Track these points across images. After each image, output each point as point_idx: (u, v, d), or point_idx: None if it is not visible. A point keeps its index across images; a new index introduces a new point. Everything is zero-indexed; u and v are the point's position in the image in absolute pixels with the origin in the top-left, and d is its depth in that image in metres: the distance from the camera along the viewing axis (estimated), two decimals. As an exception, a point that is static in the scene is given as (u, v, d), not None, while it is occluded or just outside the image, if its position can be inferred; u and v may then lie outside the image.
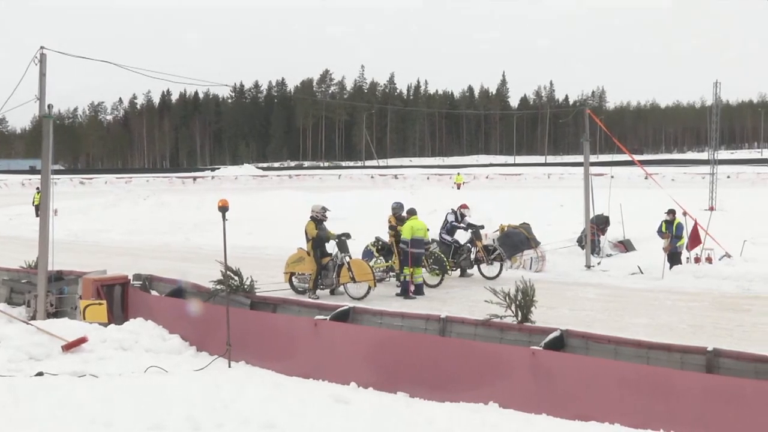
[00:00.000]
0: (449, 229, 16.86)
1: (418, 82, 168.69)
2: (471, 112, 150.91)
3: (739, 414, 6.62)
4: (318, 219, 14.41)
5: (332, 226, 15.00)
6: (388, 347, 8.87)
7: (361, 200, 36.07)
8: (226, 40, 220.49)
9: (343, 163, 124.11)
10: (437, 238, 17.25)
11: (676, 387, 6.98)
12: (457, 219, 16.96)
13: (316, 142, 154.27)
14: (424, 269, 15.27)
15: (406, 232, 14.71)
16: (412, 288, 14.42)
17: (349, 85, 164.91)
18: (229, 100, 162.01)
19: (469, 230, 16.81)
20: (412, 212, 15.26)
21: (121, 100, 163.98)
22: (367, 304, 12.15)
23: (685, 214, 16.54)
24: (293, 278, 14.62)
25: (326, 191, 45.09)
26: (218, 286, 10.97)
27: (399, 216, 15.65)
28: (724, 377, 7.05)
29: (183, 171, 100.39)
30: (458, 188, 55.85)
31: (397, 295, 14.35)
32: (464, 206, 17.28)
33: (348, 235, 14.52)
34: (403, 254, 14.61)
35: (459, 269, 16.81)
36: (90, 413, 6.73)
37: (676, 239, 16.54)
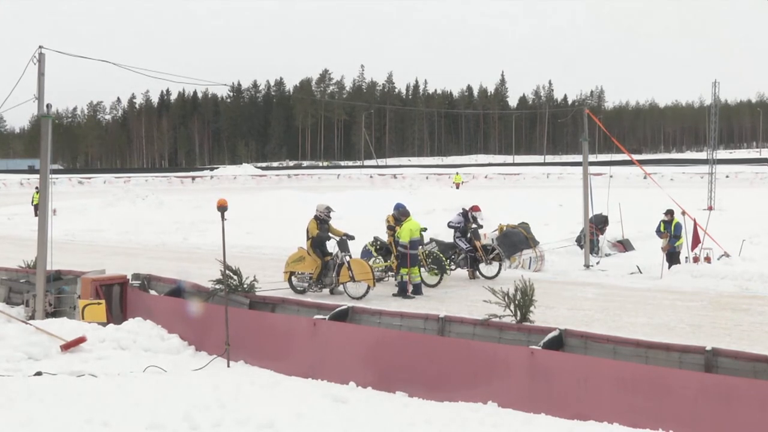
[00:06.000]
0: (462, 231, 16.68)
1: (417, 81, 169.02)
2: (470, 111, 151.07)
3: (737, 413, 6.63)
4: (321, 218, 14.41)
5: (334, 226, 14.97)
6: (387, 347, 8.86)
7: (359, 200, 36.07)
8: (224, 40, 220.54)
9: (342, 163, 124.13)
10: (437, 238, 17.25)
11: (674, 386, 6.98)
12: (468, 220, 16.83)
13: (315, 142, 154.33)
14: (423, 268, 15.26)
15: (404, 235, 14.63)
16: (410, 288, 14.41)
17: (348, 84, 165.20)
18: (228, 100, 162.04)
19: (470, 229, 16.74)
20: (405, 213, 15.18)
21: (119, 100, 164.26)
22: (366, 303, 12.16)
23: (684, 213, 16.54)
24: (293, 278, 14.60)
25: (325, 191, 45.10)
26: (217, 286, 10.97)
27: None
28: (722, 376, 7.05)
29: (182, 171, 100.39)
30: (457, 188, 55.82)
31: (394, 295, 14.33)
32: (476, 208, 17.10)
33: (351, 237, 14.51)
34: (402, 256, 14.59)
35: (464, 269, 16.74)
36: (88, 413, 6.73)
37: (675, 239, 16.53)
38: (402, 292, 14.34)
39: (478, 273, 16.54)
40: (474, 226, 16.79)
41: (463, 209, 17.20)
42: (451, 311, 10.64)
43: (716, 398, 6.75)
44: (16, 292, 12.84)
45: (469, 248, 16.47)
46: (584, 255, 17.83)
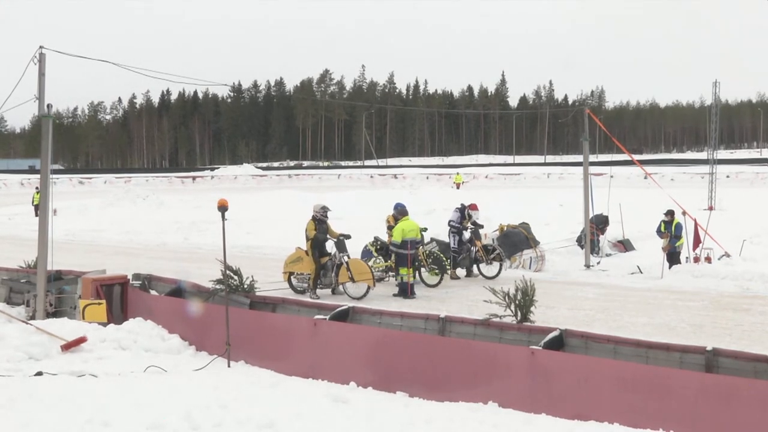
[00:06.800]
0: (458, 230, 16.70)
1: (417, 81, 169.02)
2: (470, 111, 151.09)
3: (738, 413, 6.62)
4: (319, 219, 14.38)
5: (332, 225, 14.97)
6: (388, 347, 8.86)
7: (360, 200, 36.08)
8: (224, 40, 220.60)
9: (343, 163, 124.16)
10: (438, 238, 17.23)
11: (674, 386, 6.98)
12: (464, 217, 16.83)
13: (316, 142, 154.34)
14: (423, 268, 15.28)
15: (396, 235, 14.62)
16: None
17: (348, 84, 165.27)
18: (228, 100, 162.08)
19: (470, 229, 16.76)
20: (402, 213, 15.16)
21: (120, 100, 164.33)
22: (367, 303, 12.15)
23: (684, 213, 16.54)
24: (292, 278, 14.61)
25: (325, 191, 45.11)
26: (218, 286, 10.97)
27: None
28: (722, 376, 7.05)
29: (182, 171, 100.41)
30: (457, 188, 55.83)
31: (395, 295, 14.31)
32: (474, 207, 17.06)
33: (348, 236, 14.51)
34: (397, 256, 14.56)
35: (465, 269, 16.76)
36: (88, 413, 6.73)
37: (675, 239, 16.53)
38: (402, 292, 14.32)
39: (471, 272, 16.58)
40: (470, 223, 16.78)
41: (462, 204, 17.22)
42: (452, 311, 10.64)
43: (716, 398, 6.75)
44: (16, 292, 12.83)
45: (455, 248, 16.49)
46: (585, 255, 17.82)
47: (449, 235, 16.73)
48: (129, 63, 12.77)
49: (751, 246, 17.86)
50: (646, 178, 43.72)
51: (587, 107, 20.33)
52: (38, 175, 13.22)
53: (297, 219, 22.82)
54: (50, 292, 11.67)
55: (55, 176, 19.43)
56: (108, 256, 20.52)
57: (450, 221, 16.92)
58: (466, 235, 16.76)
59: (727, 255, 16.60)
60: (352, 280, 13.95)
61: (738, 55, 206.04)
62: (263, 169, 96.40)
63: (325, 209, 14.47)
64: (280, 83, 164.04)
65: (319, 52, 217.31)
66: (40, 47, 11.25)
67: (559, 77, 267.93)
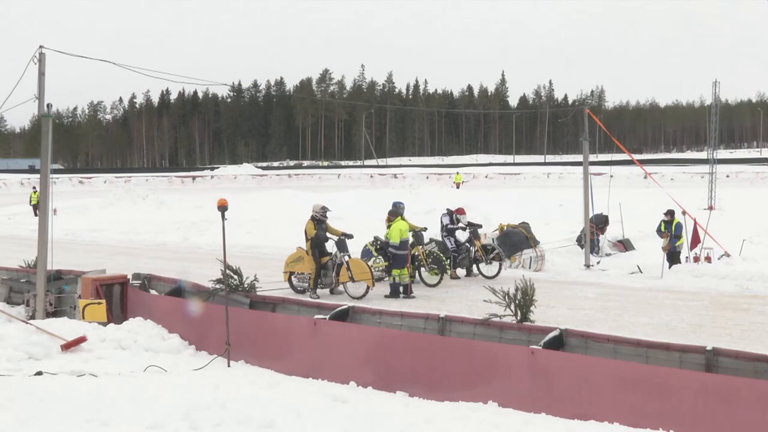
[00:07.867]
0: (449, 230, 16.74)
1: (417, 81, 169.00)
2: (470, 111, 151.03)
3: (738, 413, 6.63)
4: (318, 219, 14.38)
5: (333, 225, 14.96)
6: (388, 347, 8.87)
7: (360, 200, 36.06)
8: (224, 39, 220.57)
9: (342, 163, 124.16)
10: (437, 238, 17.24)
11: (674, 386, 6.98)
12: (453, 221, 16.86)
13: (316, 142, 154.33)
14: (423, 268, 15.27)
15: (395, 235, 14.48)
16: (401, 288, 14.33)
17: (348, 84, 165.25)
18: (228, 100, 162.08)
19: (468, 229, 16.77)
20: (395, 213, 15.00)
21: (120, 100, 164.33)
22: (367, 303, 12.15)
23: (684, 213, 16.55)
24: (293, 278, 14.62)
25: (325, 191, 45.10)
26: (218, 286, 10.97)
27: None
28: (722, 376, 7.05)
29: (182, 170, 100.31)
30: (457, 188, 55.81)
31: (386, 296, 14.24)
32: (461, 211, 17.04)
33: (350, 236, 14.49)
34: (393, 257, 14.50)
35: (464, 269, 16.76)
36: (88, 412, 6.73)
37: (675, 238, 16.54)
38: (394, 293, 14.29)
39: (470, 272, 16.57)
40: (461, 225, 16.77)
41: (448, 209, 17.22)
42: (452, 311, 10.62)
43: (716, 398, 6.75)
44: (16, 291, 12.85)
45: (454, 248, 16.49)
46: (585, 255, 17.82)
47: (443, 239, 16.74)
48: (129, 62, 12.79)
49: (750, 246, 17.87)
50: (646, 177, 43.72)
51: (587, 107, 20.32)
52: (38, 175, 13.22)
53: (297, 219, 22.82)
54: (50, 291, 11.67)
55: (55, 176, 19.43)
56: (108, 255, 20.52)
57: (448, 226, 16.92)
58: (461, 236, 16.76)
59: (727, 255, 16.61)
60: (352, 279, 13.95)
61: (738, 55, 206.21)
62: (263, 168, 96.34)
63: (324, 209, 14.48)
64: (280, 83, 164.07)
65: (319, 52, 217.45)
66: (40, 47, 11.25)
67: (559, 77, 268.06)
